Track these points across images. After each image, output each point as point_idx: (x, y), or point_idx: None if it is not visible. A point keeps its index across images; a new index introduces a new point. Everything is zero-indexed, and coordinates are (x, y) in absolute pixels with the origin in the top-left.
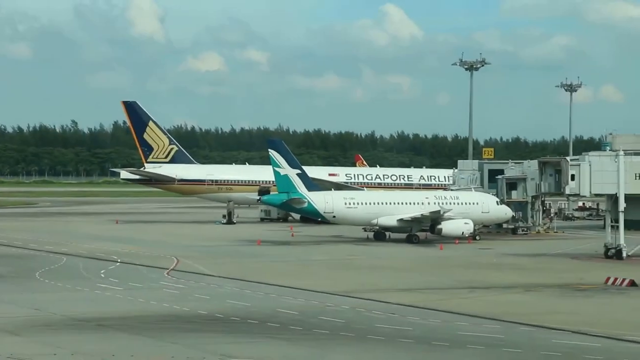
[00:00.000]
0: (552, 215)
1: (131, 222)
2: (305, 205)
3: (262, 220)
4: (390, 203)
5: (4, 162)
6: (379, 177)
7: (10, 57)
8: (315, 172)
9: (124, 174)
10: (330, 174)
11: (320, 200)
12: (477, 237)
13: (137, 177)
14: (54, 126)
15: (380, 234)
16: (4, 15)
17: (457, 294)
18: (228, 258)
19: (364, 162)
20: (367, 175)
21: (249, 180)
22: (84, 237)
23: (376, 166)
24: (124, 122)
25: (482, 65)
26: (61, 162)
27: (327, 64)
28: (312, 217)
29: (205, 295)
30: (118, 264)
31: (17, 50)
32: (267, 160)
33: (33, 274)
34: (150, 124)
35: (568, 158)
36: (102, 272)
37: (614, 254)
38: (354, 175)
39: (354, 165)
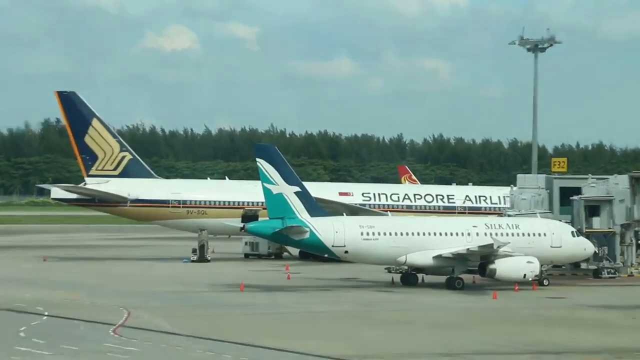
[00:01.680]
0: None
1: (65, 260)
2: (307, 235)
3: (247, 256)
4: (423, 234)
5: None
6: (409, 198)
7: None
8: (321, 190)
9: (57, 191)
10: (341, 193)
11: (327, 230)
12: (545, 282)
13: (74, 196)
14: None
15: (410, 276)
16: None
17: None
18: (199, 309)
19: (414, 178)
20: (392, 195)
21: (229, 202)
22: None
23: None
24: (58, 121)
25: (551, 45)
26: None
27: (336, 43)
28: (316, 252)
29: None
30: (45, 318)
31: None
32: (254, 174)
33: None
34: (95, 123)
35: None
36: (21, 329)
37: None
38: (375, 195)
39: (396, 181)
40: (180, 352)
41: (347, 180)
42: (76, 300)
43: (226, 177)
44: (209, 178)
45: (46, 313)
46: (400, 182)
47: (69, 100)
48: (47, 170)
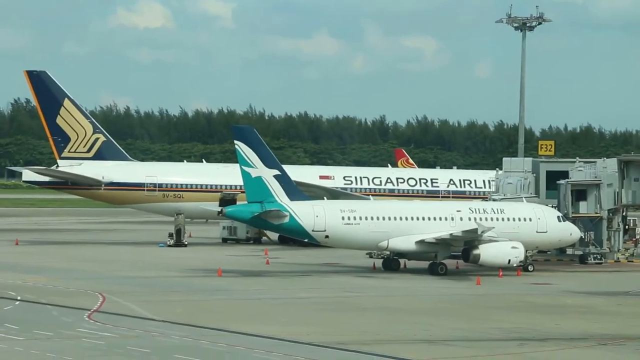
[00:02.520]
0: (637, 237)
1: (37, 244)
2: (287, 220)
3: (225, 241)
4: (406, 218)
5: None
6: (391, 182)
7: None
8: (302, 173)
9: (28, 174)
10: (322, 177)
11: (307, 214)
12: (530, 268)
13: (46, 179)
14: None
15: (391, 262)
16: None
17: (501, 348)
18: (176, 294)
19: (411, 162)
20: (374, 179)
21: (206, 185)
22: None
23: (387, 165)
24: (28, 101)
25: (539, 24)
26: None
27: (317, 19)
28: (296, 236)
29: (144, 348)
30: (17, 303)
31: None
32: (232, 157)
33: None
34: (66, 103)
35: None
36: None
37: None
38: (356, 178)
39: (393, 165)
40: (157, 338)
41: (328, 163)
42: (49, 285)
43: (203, 160)
44: (185, 161)
45: (19, 298)
46: (397, 166)
47: (39, 80)
48: (18, 153)
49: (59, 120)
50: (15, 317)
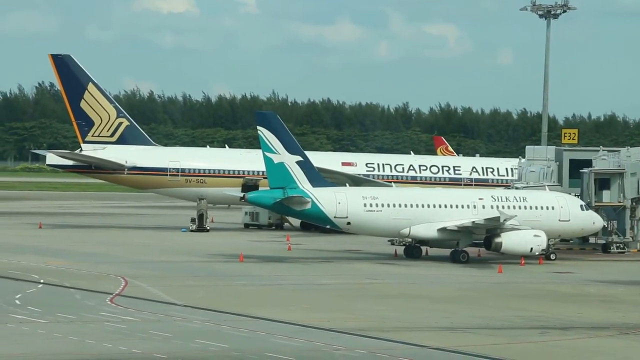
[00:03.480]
0: None
1: (60, 227)
2: (309, 206)
3: (247, 226)
4: (428, 205)
5: None
6: (413, 169)
7: None
8: (324, 159)
9: (52, 157)
10: (344, 163)
11: (329, 200)
12: (552, 256)
13: (70, 162)
14: None
15: (413, 249)
16: None
17: (523, 337)
18: (198, 280)
19: (450, 149)
20: (396, 166)
21: (228, 171)
22: None
23: (409, 153)
24: (52, 85)
25: (564, 12)
26: None
27: (340, 6)
28: (317, 223)
29: (165, 332)
30: (40, 286)
31: None
32: (255, 142)
33: None
34: (90, 87)
35: None
36: (17, 297)
37: None
38: (379, 165)
39: (432, 152)
40: (178, 322)
41: (351, 150)
42: (72, 268)
43: (226, 146)
44: (208, 146)
45: (42, 281)
46: (436, 154)
47: (63, 64)
48: (42, 136)
49: (82, 105)
50: (38, 300)
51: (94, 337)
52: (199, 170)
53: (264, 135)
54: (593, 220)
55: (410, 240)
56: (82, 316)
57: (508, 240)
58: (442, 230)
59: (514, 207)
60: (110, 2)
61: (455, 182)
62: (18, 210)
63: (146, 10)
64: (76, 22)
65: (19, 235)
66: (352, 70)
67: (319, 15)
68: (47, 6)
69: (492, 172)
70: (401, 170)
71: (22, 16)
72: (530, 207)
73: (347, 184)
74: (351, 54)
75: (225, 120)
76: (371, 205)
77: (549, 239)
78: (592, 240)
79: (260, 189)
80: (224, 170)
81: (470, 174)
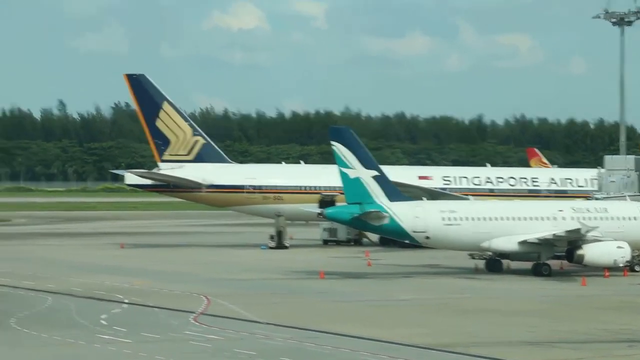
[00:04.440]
0: None
1: (142, 247)
2: (386, 221)
3: (326, 242)
4: (508, 218)
5: None
6: (491, 181)
7: None
8: (400, 174)
9: (130, 177)
10: (421, 177)
11: (407, 215)
12: (637, 268)
13: (148, 181)
14: (30, 110)
15: (494, 263)
16: None
17: (608, 350)
18: (279, 297)
19: (545, 161)
20: (473, 179)
21: (305, 187)
22: (76, 268)
23: (485, 165)
24: (127, 105)
25: (638, 18)
26: (42, 162)
27: (410, 18)
28: (396, 238)
29: (250, 351)
30: (125, 305)
31: None
32: (329, 157)
33: (7, 321)
34: (165, 106)
35: None
36: (102, 317)
37: None
38: (455, 178)
39: (525, 165)
40: (262, 340)
41: (426, 163)
42: (155, 287)
43: (301, 161)
44: (283, 162)
45: (126, 300)
46: (529, 166)
47: (138, 84)
48: (120, 156)
49: (158, 123)
50: (124, 319)
51: (179, 357)
52: (276, 186)
53: (339, 151)
54: None
55: (490, 253)
56: (167, 335)
57: (591, 252)
58: (523, 243)
59: (595, 218)
60: (181, 21)
61: (533, 194)
62: (100, 231)
63: (216, 28)
64: (149, 42)
65: (102, 255)
66: (425, 83)
67: (388, 28)
68: (120, 27)
69: (570, 183)
70: (478, 183)
71: (96, 37)
72: (612, 218)
73: (424, 198)
74: (423, 66)
75: (300, 136)
76: (450, 219)
77: (632, 250)
78: None
79: (337, 204)
80: (300, 187)
81: (549, 185)
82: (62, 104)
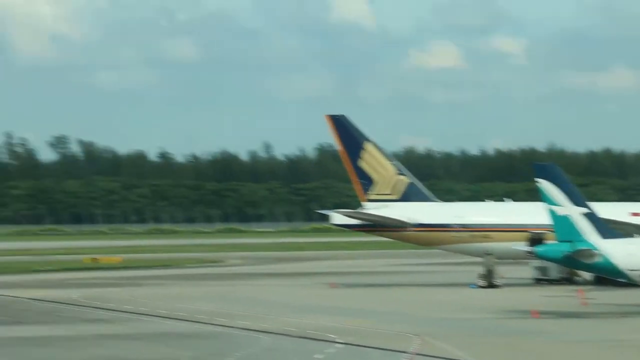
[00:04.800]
0: None
1: (352, 286)
2: (598, 259)
3: (537, 281)
4: None
5: (176, 204)
6: None
7: (168, 59)
8: (610, 210)
9: (337, 217)
10: (633, 214)
11: (620, 252)
12: None
13: (354, 221)
14: (238, 153)
15: None
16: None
17: None
18: (493, 337)
19: None
20: None
21: (513, 225)
22: (289, 308)
23: None
24: (330, 145)
25: None
26: (251, 203)
27: (612, 50)
28: (609, 276)
29: None
30: (340, 345)
31: (176, 50)
32: (534, 194)
33: None
34: (367, 146)
35: None
36: (316, 357)
37: None
38: None
39: None
40: None
41: (637, 199)
42: (367, 327)
43: (504, 199)
44: (486, 200)
45: (340, 340)
46: None
47: (340, 124)
48: (325, 196)
49: (361, 163)
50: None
51: None
52: (484, 225)
53: (545, 188)
54: None
55: None
56: None
57: None
58: None
59: None
60: (379, 62)
61: None
62: (310, 271)
63: (414, 67)
64: (348, 83)
65: (313, 295)
66: (631, 117)
67: (589, 62)
68: (318, 69)
69: None
70: None
71: (297, 80)
72: None
73: (637, 235)
74: (628, 99)
75: (504, 173)
76: None
77: None
78: None
79: (547, 242)
80: (509, 225)
81: None
82: (268, 147)
